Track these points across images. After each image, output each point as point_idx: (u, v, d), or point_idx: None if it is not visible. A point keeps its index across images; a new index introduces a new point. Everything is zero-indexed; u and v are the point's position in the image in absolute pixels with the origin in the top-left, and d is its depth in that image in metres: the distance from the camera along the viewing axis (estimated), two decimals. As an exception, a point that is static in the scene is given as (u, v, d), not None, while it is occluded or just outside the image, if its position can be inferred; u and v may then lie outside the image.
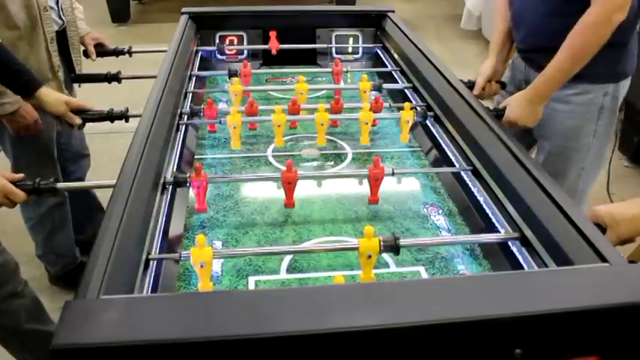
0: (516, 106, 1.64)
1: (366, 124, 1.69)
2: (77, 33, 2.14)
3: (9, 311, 1.73)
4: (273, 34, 2.30)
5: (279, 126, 1.66)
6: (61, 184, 1.32)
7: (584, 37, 1.54)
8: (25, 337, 1.77)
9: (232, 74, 2.06)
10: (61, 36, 2.06)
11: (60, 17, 2.03)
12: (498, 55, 1.93)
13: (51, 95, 1.65)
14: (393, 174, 1.45)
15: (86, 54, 2.27)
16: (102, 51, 2.30)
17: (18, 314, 1.74)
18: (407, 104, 1.72)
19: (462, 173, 1.52)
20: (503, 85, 1.94)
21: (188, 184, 1.37)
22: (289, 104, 1.77)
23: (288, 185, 1.40)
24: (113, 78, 2.14)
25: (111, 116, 1.68)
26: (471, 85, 1.89)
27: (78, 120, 1.67)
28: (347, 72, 2.18)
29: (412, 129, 1.90)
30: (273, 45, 2.29)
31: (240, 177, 1.60)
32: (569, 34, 1.56)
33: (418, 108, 1.79)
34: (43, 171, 2.04)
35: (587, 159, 1.79)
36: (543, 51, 1.70)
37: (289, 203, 1.43)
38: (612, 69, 1.68)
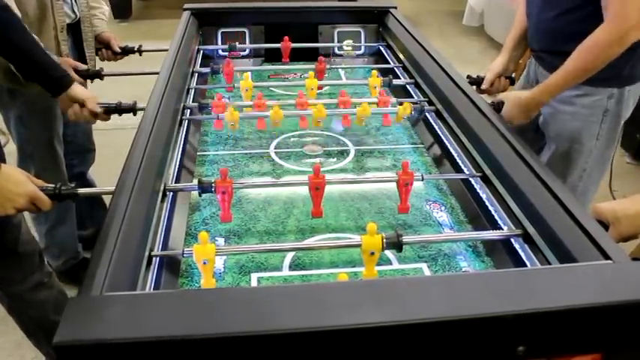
0: (512, 105, 1.63)
1: (362, 120, 1.70)
2: (92, 30, 2.14)
3: (36, 302, 1.72)
4: (286, 38, 2.30)
5: (276, 122, 1.67)
6: (82, 190, 1.29)
7: (593, 54, 1.50)
8: (51, 329, 1.77)
9: (215, 72, 2.11)
10: (76, 30, 2.07)
11: (73, 11, 2.04)
12: (511, 52, 1.91)
13: (81, 91, 1.66)
14: (422, 179, 1.42)
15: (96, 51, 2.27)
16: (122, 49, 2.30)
17: (45, 305, 1.74)
18: (406, 103, 1.74)
19: (462, 166, 1.52)
20: (512, 82, 1.94)
21: (213, 189, 1.31)
22: (297, 99, 1.77)
23: (316, 191, 1.32)
24: (95, 75, 2.04)
25: (119, 109, 1.68)
26: (479, 80, 1.89)
27: (107, 117, 1.69)
28: (350, 69, 2.18)
29: (414, 125, 1.91)
30: (286, 47, 2.29)
31: (265, 182, 1.57)
32: (579, 47, 1.52)
33: (417, 103, 1.80)
34: (46, 161, 2.06)
35: (589, 161, 1.78)
36: (551, 52, 1.70)
37: (317, 212, 1.35)
38: (618, 72, 1.64)
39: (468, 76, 1.88)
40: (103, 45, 2.27)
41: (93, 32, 2.16)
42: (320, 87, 1.96)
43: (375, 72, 1.96)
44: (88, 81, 2.09)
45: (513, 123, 1.63)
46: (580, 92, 1.69)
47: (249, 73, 1.98)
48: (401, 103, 1.82)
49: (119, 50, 2.28)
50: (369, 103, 1.74)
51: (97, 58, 2.29)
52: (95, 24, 2.19)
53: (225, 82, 2.04)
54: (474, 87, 1.83)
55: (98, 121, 1.76)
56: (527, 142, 1.58)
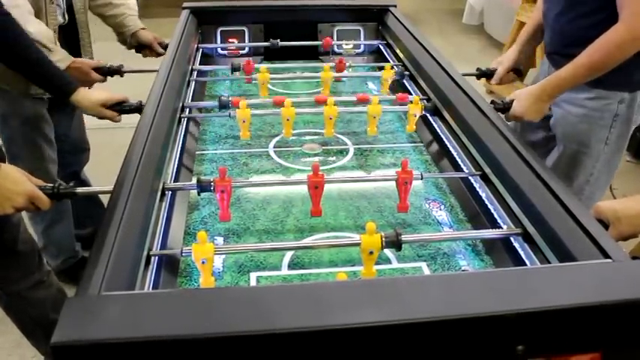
0: (524, 100, 1.60)
1: (374, 118, 1.69)
2: (89, 34, 2.13)
3: (36, 300, 1.73)
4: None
5: (288, 120, 1.66)
6: (81, 189, 1.28)
7: (605, 53, 1.49)
8: (50, 328, 1.76)
9: (235, 69, 2.09)
10: (71, 33, 2.06)
11: (63, 15, 2.03)
12: (523, 46, 1.90)
13: (86, 100, 1.65)
14: (421, 178, 1.42)
15: (139, 49, 2.27)
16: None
17: (45, 304, 1.75)
18: (416, 98, 1.74)
19: (462, 164, 1.52)
20: (519, 73, 1.93)
21: (212, 188, 1.31)
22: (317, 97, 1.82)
23: (315, 190, 1.32)
24: (116, 71, 2.04)
25: (140, 109, 1.64)
26: (488, 72, 1.90)
27: (118, 118, 1.69)
28: (349, 67, 2.18)
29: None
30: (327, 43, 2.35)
31: (264, 181, 1.56)
32: (591, 46, 1.51)
33: (426, 102, 1.79)
34: (32, 162, 2.03)
35: (597, 166, 1.76)
36: (563, 55, 1.68)
37: (316, 211, 1.35)
38: (630, 77, 1.63)
39: (478, 69, 1.90)
40: (145, 45, 2.24)
41: (90, 37, 2.13)
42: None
43: (388, 65, 1.98)
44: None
45: (524, 118, 1.61)
46: (591, 95, 1.68)
47: (267, 66, 1.99)
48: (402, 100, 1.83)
49: (162, 51, 2.23)
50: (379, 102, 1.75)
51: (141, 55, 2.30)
52: (127, 23, 2.17)
53: (245, 80, 2.11)
54: (485, 79, 1.88)
55: (95, 120, 1.75)
56: (538, 142, 1.59)
